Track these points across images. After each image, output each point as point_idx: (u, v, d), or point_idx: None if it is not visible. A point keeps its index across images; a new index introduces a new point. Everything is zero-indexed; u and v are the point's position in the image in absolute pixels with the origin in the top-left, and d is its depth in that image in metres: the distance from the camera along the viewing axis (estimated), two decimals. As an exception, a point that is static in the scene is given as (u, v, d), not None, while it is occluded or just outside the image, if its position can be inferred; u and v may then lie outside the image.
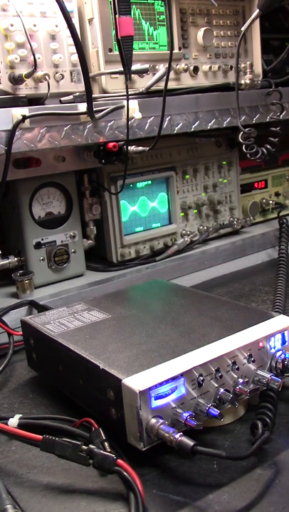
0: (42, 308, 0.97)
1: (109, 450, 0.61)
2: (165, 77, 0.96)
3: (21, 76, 0.91)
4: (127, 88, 0.93)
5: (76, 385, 0.72)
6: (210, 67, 1.15)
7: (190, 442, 0.56)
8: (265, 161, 1.33)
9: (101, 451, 0.58)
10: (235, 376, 0.67)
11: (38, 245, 1.10)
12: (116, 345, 0.70)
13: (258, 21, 1.22)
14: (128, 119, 0.98)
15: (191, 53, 1.14)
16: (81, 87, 0.97)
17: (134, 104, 1.00)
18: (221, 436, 0.66)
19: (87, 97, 0.91)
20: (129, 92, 0.97)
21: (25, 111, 0.89)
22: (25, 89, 0.94)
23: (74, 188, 1.14)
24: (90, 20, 1.01)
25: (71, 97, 0.99)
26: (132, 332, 0.74)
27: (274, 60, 1.30)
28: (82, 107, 0.95)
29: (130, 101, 0.98)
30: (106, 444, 0.62)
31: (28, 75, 0.91)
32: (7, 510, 0.54)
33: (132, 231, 1.23)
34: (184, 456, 0.62)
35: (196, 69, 1.13)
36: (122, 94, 1.01)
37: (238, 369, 0.67)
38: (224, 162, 1.37)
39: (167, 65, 0.95)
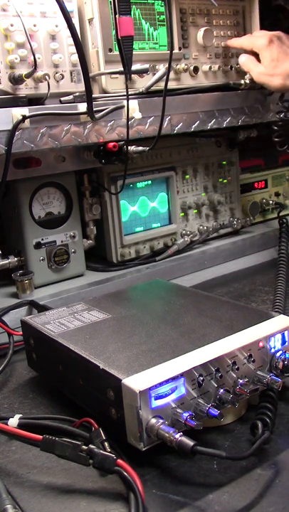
0: (42, 308, 0.97)
1: (109, 450, 0.61)
2: (165, 77, 0.96)
3: (21, 76, 0.91)
4: (127, 88, 0.93)
5: (76, 385, 0.72)
6: (210, 67, 1.15)
7: (190, 442, 0.56)
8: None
9: (101, 451, 0.58)
10: (235, 376, 0.67)
11: (38, 245, 1.10)
12: (116, 345, 0.70)
13: (258, 21, 1.22)
14: (128, 119, 0.98)
15: (191, 53, 1.14)
16: (81, 87, 0.97)
17: (134, 104, 1.00)
18: (221, 436, 0.66)
19: (87, 97, 0.91)
20: (129, 92, 0.97)
21: (25, 111, 0.88)
22: (25, 89, 0.94)
23: (74, 188, 1.14)
24: (90, 20, 1.01)
25: (71, 97, 0.99)
26: (132, 332, 0.74)
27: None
28: (82, 107, 0.95)
29: (130, 101, 0.98)
30: (106, 444, 0.62)
31: (28, 75, 0.91)
32: (7, 510, 0.54)
33: (132, 231, 1.23)
34: (184, 456, 0.62)
35: (196, 69, 1.13)
36: (122, 94, 1.01)
37: (238, 369, 0.67)
38: (224, 162, 1.37)
39: (167, 65, 0.95)
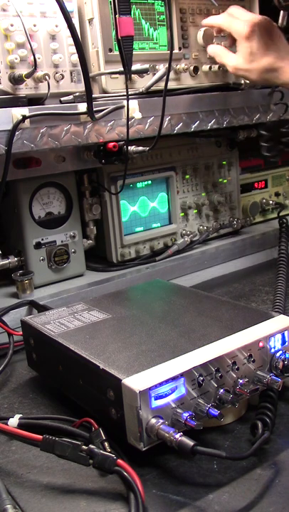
0: (42, 308, 0.97)
1: (109, 450, 0.61)
2: (165, 77, 0.96)
3: (21, 76, 0.91)
4: (127, 88, 0.93)
5: (76, 385, 0.72)
6: (210, 67, 1.15)
7: (190, 442, 0.56)
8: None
9: (101, 451, 0.58)
10: (235, 376, 0.67)
11: (38, 245, 1.10)
12: (116, 345, 0.70)
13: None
14: (128, 119, 0.98)
15: (191, 53, 1.14)
16: (81, 87, 0.97)
17: (134, 104, 1.00)
18: (221, 436, 0.66)
19: (87, 97, 0.91)
20: (129, 92, 0.97)
21: (25, 111, 0.88)
22: (25, 89, 0.94)
23: (74, 188, 1.14)
24: (90, 20, 1.01)
25: (71, 97, 0.99)
26: (132, 332, 0.74)
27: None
28: (82, 107, 0.95)
29: (130, 101, 0.98)
30: (106, 444, 0.63)
31: (28, 75, 0.91)
32: (7, 510, 0.54)
33: (132, 231, 1.23)
34: (184, 456, 0.62)
35: (196, 69, 1.13)
36: (122, 94, 1.01)
37: (238, 369, 0.67)
38: (224, 162, 1.37)
39: (167, 65, 0.95)
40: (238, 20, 1.03)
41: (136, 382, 0.60)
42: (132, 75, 1.03)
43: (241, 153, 1.42)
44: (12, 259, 1.08)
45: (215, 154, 1.35)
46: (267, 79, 1.03)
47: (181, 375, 0.62)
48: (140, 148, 1.03)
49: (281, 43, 1.02)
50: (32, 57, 0.92)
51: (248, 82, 1.17)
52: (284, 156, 1.55)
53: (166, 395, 0.61)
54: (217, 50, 1.08)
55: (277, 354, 0.71)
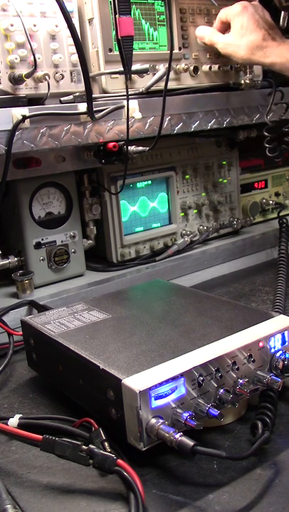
0: (42, 308, 0.97)
1: (109, 450, 0.61)
2: (165, 77, 0.96)
3: (21, 76, 0.91)
4: (127, 88, 0.93)
5: (76, 385, 0.72)
6: (210, 67, 1.15)
7: (190, 442, 0.56)
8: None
9: (101, 451, 0.58)
10: (235, 376, 0.67)
11: (38, 245, 1.10)
12: (116, 345, 0.70)
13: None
14: (128, 119, 0.98)
15: (191, 53, 1.14)
16: (81, 87, 0.97)
17: (134, 104, 1.00)
18: (221, 436, 0.66)
19: (87, 97, 0.91)
20: (129, 92, 0.97)
21: (25, 111, 0.88)
22: (25, 89, 0.94)
23: (74, 188, 1.14)
24: (90, 20, 1.01)
25: (71, 97, 0.99)
26: (132, 332, 0.74)
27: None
28: (82, 107, 0.95)
29: (130, 101, 0.98)
30: (106, 444, 0.63)
31: (28, 75, 0.91)
32: (7, 510, 0.54)
33: (132, 231, 1.23)
34: (184, 456, 0.62)
35: (196, 69, 1.13)
36: (122, 94, 1.01)
37: (238, 369, 0.67)
38: (224, 162, 1.37)
39: (167, 65, 0.95)
40: (233, 5, 1.08)
41: (136, 382, 0.60)
42: (132, 75, 1.03)
43: (241, 153, 1.42)
44: (12, 259, 1.08)
45: (215, 154, 1.35)
46: (255, 57, 1.04)
47: (181, 375, 0.62)
48: (140, 148, 1.03)
49: (272, 25, 1.06)
50: (32, 57, 0.92)
51: (248, 82, 1.17)
52: (285, 156, 1.55)
53: (166, 395, 0.61)
54: (206, 31, 1.11)
55: (277, 354, 0.71)
